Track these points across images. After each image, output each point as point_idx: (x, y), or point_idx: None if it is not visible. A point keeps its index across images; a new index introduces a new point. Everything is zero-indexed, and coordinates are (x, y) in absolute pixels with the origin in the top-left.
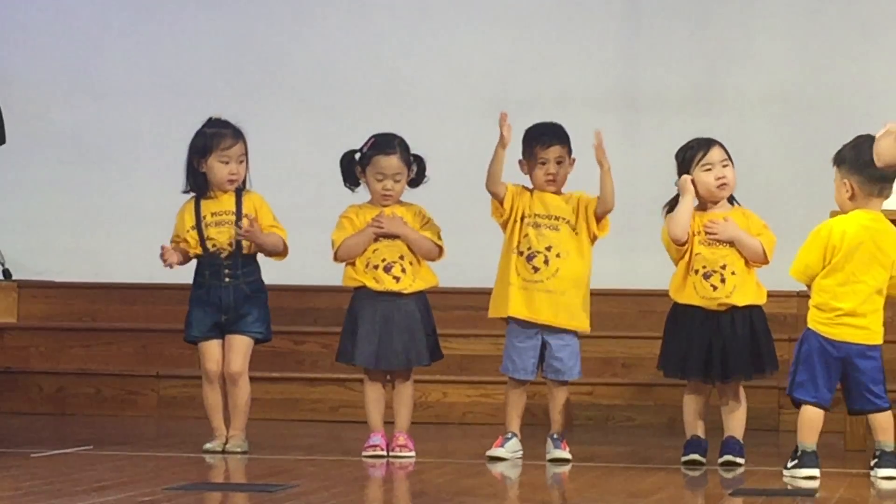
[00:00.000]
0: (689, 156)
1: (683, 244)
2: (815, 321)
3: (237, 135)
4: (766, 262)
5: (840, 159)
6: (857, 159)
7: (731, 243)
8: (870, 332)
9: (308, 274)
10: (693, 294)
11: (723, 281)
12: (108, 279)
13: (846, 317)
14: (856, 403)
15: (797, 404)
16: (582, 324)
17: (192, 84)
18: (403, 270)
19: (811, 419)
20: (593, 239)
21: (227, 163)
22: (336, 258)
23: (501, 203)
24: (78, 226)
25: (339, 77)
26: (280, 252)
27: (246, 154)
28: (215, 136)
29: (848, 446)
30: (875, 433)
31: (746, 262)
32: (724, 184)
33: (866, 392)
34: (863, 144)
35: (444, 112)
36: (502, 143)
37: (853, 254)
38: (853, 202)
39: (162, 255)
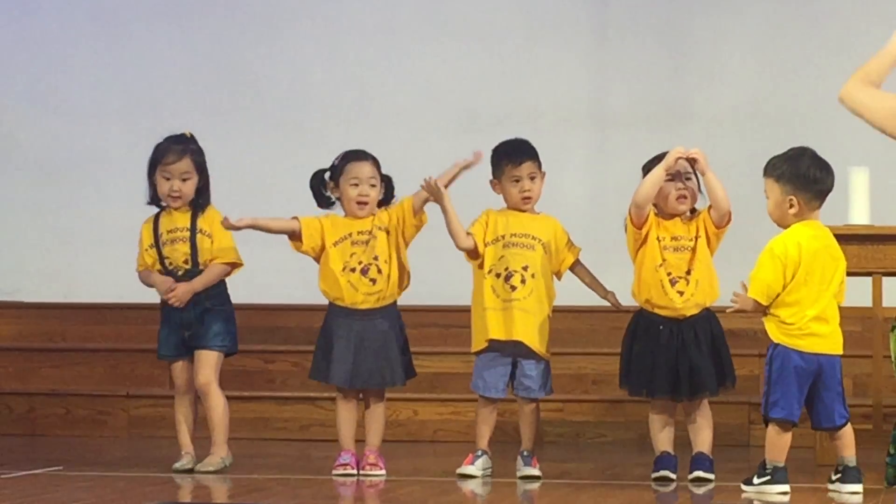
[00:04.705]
0: (652, 162)
1: (640, 226)
2: (784, 335)
3: (184, 151)
4: (729, 213)
5: (778, 174)
6: (801, 175)
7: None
8: (834, 339)
9: (278, 293)
10: (661, 296)
11: (688, 285)
12: (77, 299)
13: (814, 324)
14: (824, 421)
15: (770, 422)
16: (546, 350)
17: (161, 103)
18: (379, 271)
19: (783, 438)
20: (556, 273)
21: (168, 178)
22: None
23: (473, 256)
24: (47, 246)
25: (309, 95)
26: (227, 274)
27: (196, 172)
28: (161, 150)
29: (818, 461)
30: (839, 449)
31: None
32: (683, 196)
33: (833, 408)
34: (800, 159)
35: (413, 130)
36: (443, 203)
37: (814, 263)
38: (797, 217)
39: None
